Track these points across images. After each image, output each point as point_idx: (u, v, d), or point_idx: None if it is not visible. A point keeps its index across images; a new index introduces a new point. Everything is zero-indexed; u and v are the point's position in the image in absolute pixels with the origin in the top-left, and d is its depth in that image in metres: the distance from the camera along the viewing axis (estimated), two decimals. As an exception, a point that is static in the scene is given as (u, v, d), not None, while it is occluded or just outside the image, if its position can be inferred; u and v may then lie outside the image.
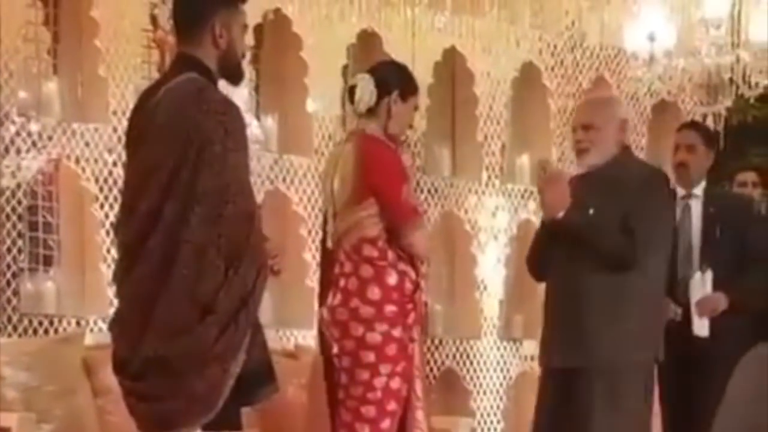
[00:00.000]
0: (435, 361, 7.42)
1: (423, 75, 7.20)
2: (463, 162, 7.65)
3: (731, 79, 7.32)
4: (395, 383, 4.53)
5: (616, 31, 7.50)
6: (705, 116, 7.59)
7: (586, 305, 4.69)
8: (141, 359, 3.52)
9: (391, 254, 4.55)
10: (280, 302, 6.77)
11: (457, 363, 7.54)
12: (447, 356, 7.54)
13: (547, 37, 7.68)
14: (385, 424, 4.53)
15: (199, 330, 3.47)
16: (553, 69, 7.77)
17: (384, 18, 7.07)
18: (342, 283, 4.58)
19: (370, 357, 4.51)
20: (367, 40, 7.10)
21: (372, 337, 4.50)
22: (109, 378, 5.28)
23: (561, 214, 4.72)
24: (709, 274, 5.35)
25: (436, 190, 7.48)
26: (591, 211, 4.72)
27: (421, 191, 7.37)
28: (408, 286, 4.57)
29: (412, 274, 4.59)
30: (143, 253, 3.50)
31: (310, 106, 6.98)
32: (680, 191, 5.63)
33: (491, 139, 7.63)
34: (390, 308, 4.52)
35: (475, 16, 7.25)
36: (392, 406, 4.54)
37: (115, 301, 6.16)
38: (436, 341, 7.45)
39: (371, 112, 4.64)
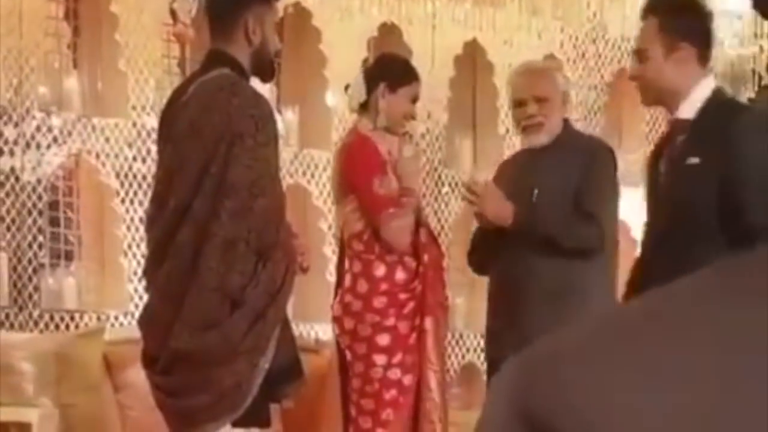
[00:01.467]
0: (455, 355, 7.38)
1: (443, 67, 7.18)
2: (485, 155, 7.60)
3: (753, 70, 7.28)
4: (394, 374, 4.51)
5: (638, 22, 7.44)
6: (727, 108, 7.54)
7: (529, 297, 4.34)
8: (169, 353, 3.50)
9: (378, 247, 4.55)
10: (300, 297, 6.75)
11: (478, 357, 7.51)
12: (467, 350, 7.50)
13: (568, 29, 7.63)
14: (385, 414, 4.51)
15: (227, 324, 3.45)
16: (574, 61, 7.72)
17: (404, 10, 7.04)
18: (344, 280, 4.62)
19: (363, 349, 4.53)
20: (388, 32, 7.07)
21: (363, 329, 4.53)
22: (129, 373, 5.30)
23: (510, 221, 4.33)
24: None
25: (456, 184, 7.44)
26: (535, 192, 4.36)
27: (442, 184, 7.34)
28: (400, 276, 4.55)
29: (411, 264, 4.56)
30: (173, 247, 3.49)
31: (330, 99, 6.95)
32: None
33: (513, 132, 7.58)
34: (379, 299, 4.52)
35: (495, 8, 7.21)
36: (392, 395, 4.52)
37: (136, 297, 6.23)
38: (457, 335, 7.41)
39: (364, 107, 4.63)
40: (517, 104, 4.52)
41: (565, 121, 4.57)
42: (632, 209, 6.57)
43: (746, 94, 7.31)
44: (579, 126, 7.23)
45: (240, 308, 3.45)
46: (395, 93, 4.61)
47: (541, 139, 4.46)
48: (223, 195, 3.43)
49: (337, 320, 4.62)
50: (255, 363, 3.47)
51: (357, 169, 4.58)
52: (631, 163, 7.17)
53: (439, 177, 7.32)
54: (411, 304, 4.56)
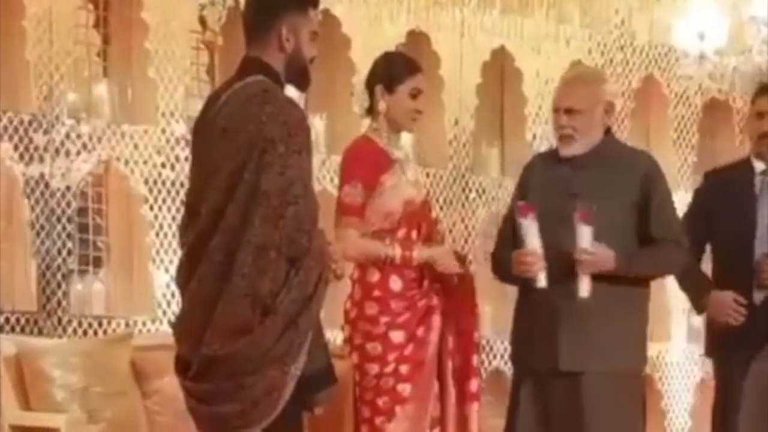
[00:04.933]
0: (483, 362, 7.39)
1: (471, 74, 7.21)
2: (512, 162, 7.60)
3: (783, 77, 7.26)
4: (386, 382, 4.49)
5: (666, 29, 7.48)
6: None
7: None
8: (201, 360, 3.51)
9: None
10: (330, 302, 6.76)
11: (506, 363, 7.51)
12: (495, 357, 7.52)
13: (596, 36, 7.64)
14: (379, 421, 4.50)
15: (258, 331, 3.46)
16: (602, 68, 7.72)
17: (433, 18, 7.07)
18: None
19: (356, 358, 4.52)
20: (416, 40, 7.09)
21: (356, 338, 4.53)
22: (157, 379, 5.30)
23: (613, 265, 4.41)
24: None
25: (484, 191, 7.46)
26: (594, 209, 4.36)
27: (470, 191, 7.36)
28: (396, 284, 4.52)
29: (409, 274, 4.53)
30: (205, 254, 3.50)
31: (358, 106, 6.97)
32: (759, 166, 5.10)
33: (540, 139, 7.59)
34: (370, 306, 4.50)
35: (523, 16, 7.24)
36: (385, 403, 4.50)
37: (164, 303, 6.25)
38: (484, 342, 7.41)
39: (371, 113, 4.64)
40: (554, 111, 4.58)
41: (608, 132, 4.58)
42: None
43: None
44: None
45: (271, 315, 3.46)
46: (394, 92, 4.59)
47: (572, 151, 4.49)
48: (255, 202, 3.44)
49: (342, 327, 4.64)
50: (286, 370, 3.47)
51: (341, 172, 4.60)
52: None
53: (467, 183, 7.34)
54: (407, 315, 4.53)
